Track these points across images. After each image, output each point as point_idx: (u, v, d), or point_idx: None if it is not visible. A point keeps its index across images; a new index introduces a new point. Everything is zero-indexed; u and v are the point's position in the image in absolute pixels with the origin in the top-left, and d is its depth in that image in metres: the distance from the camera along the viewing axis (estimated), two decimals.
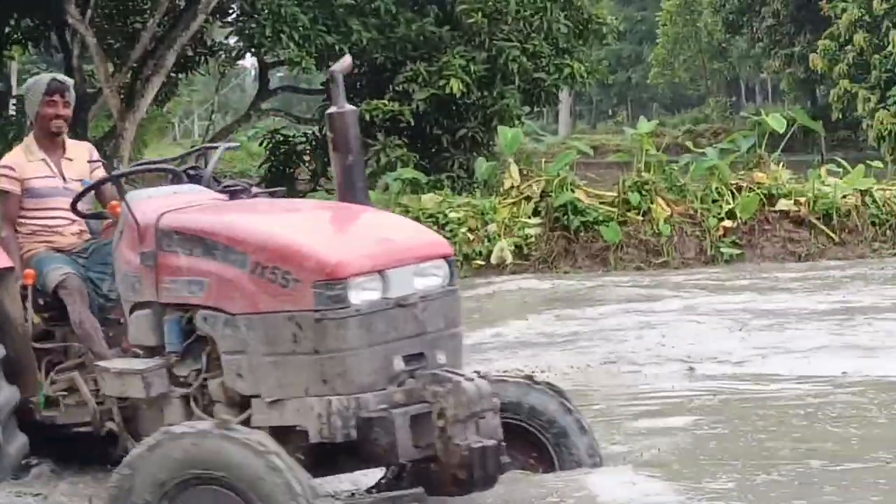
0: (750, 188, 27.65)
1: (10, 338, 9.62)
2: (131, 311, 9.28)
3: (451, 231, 27.57)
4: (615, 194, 29.11)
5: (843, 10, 59.91)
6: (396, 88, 33.85)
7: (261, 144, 35.55)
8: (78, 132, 34.18)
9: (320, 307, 8.41)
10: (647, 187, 27.63)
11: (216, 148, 10.81)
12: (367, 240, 9.09)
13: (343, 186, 9.51)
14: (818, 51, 62.88)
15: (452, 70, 33.25)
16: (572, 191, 27.90)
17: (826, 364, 15.53)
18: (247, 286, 8.77)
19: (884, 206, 27.58)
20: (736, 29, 74.48)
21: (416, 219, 25.33)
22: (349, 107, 9.49)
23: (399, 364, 8.42)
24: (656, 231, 26.86)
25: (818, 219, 27.16)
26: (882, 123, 55.99)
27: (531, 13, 34.68)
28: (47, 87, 10.45)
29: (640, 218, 27.12)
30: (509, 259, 27.22)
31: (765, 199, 27.46)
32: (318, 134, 36.99)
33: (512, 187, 29.96)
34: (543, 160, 33.22)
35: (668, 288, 23.35)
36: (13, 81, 42.89)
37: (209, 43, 35.61)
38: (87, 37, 31.95)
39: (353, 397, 8.39)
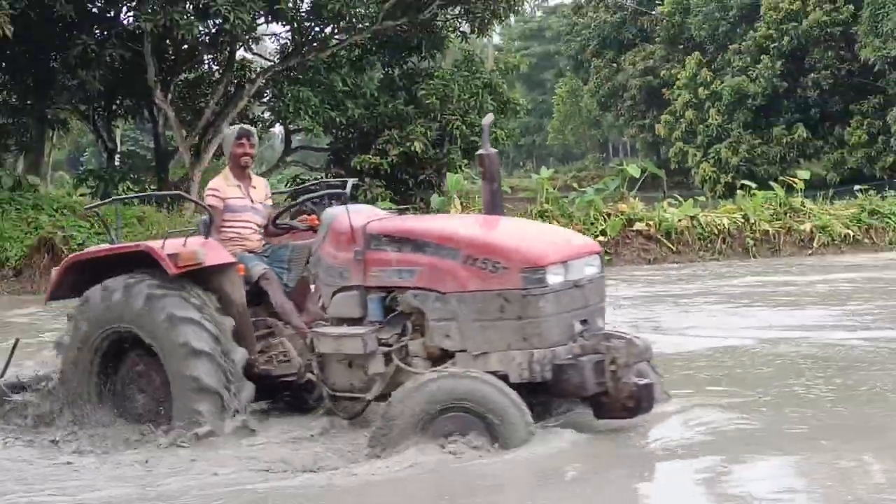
0: (616, 215, 27.82)
1: (236, 313, 9.60)
2: (334, 293, 9.51)
3: None
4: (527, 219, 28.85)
5: (679, 95, 61.58)
6: (377, 147, 34.01)
7: (286, 185, 36.10)
8: (162, 177, 35.17)
9: (526, 286, 8.77)
10: (546, 214, 27.73)
11: (346, 184, 10.50)
12: (552, 240, 9.70)
13: (490, 205, 9.81)
14: (661, 122, 64.84)
15: (416, 135, 33.60)
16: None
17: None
18: (459, 272, 9.08)
19: (706, 226, 27.80)
20: (606, 107, 74.92)
21: None
22: (492, 150, 9.97)
23: (577, 327, 8.80)
24: None
25: (662, 236, 27.44)
26: (704, 171, 57.66)
27: (469, 96, 34.71)
28: (238, 133, 10.41)
29: None
30: None
31: (626, 222, 27.65)
32: (324, 177, 35.38)
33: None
34: (477, 196, 33.15)
35: None
36: (118, 142, 42.24)
37: (251, 116, 35.87)
38: (169, 112, 31.94)
39: (549, 350, 8.72)
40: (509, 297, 8.89)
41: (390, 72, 38.49)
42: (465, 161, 35.57)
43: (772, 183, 32.52)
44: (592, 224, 26.89)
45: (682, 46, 65.44)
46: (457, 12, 36.35)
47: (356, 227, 9.41)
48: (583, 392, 8.75)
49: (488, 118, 11.06)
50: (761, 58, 57.89)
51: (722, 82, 59.84)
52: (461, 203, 30.58)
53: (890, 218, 29.24)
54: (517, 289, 8.85)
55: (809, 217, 28.38)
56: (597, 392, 8.65)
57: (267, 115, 38.06)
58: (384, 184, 34.32)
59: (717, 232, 27.55)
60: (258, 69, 35.59)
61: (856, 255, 27.18)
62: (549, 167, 46.54)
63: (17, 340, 11.40)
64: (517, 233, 9.81)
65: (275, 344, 9.77)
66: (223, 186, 10.23)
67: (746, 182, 33.57)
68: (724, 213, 28.91)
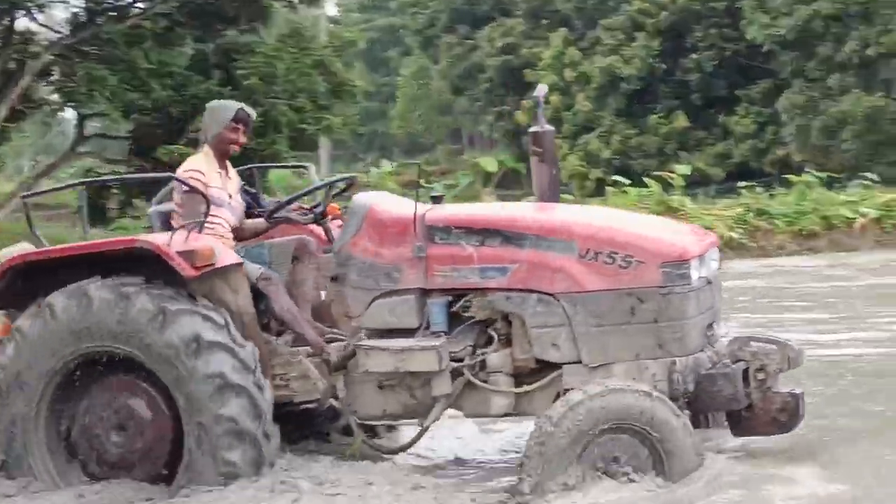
0: None
1: (243, 326, 8.80)
2: (374, 299, 8.86)
3: None
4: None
5: (543, 77, 59.67)
6: (189, 136, 32.47)
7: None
8: None
9: (667, 284, 8.53)
10: None
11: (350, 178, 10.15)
12: (681, 230, 9.69)
13: (547, 191, 9.50)
14: (522, 109, 62.59)
15: None
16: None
17: None
18: (574, 269, 8.69)
19: None
20: (459, 91, 74.21)
21: None
22: (549, 127, 9.72)
23: (710, 330, 8.77)
24: None
25: None
26: (572, 166, 57.57)
27: (297, 76, 34.87)
28: (235, 114, 9.49)
29: None
30: None
31: None
32: (125, 171, 36.06)
33: None
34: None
35: None
36: None
37: (35, 98, 35.04)
38: None
39: (692, 357, 8.50)
40: (644, 296, 8.69)
41: (203, 47, 38.08)
42: (293, 153, 35.70)
43: (647, 179, 32.72)
44: None
45: (546, 21, 65.55)
46: None
47: (411, 217, 8.97)
48: (734, 405, 8.59)
49: (541, 89, 10.64)
50: (636, 36, 58.68)
51: (592, 63, 60.32)
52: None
53: (779, 219, 29.40)
54: (655, 286, 8.67)
55: (689, 218, 27.77)
56: (744, 405, 8.59)
57: (55, 97, 37.81)
58: None
59: None
60: (44, 42, 34.93)
61: (742, 260, 27.41)
62: (393, 160, 46.14)
63: None
64: (640, 222, 10.01)
65: (293, 363, 8.97)
66: (206, 171, 9.32)
67: (619, 178, 33.85)
68: None
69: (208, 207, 8.93)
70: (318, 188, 9.68)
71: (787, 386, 8.91)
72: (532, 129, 9.73)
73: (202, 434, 8.46)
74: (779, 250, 28.50)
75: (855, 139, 49.66)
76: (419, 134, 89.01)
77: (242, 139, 9.49)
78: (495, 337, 8.87)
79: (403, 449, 9.42)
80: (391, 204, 9.38)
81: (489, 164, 31.24)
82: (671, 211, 28.52)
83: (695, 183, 37.71)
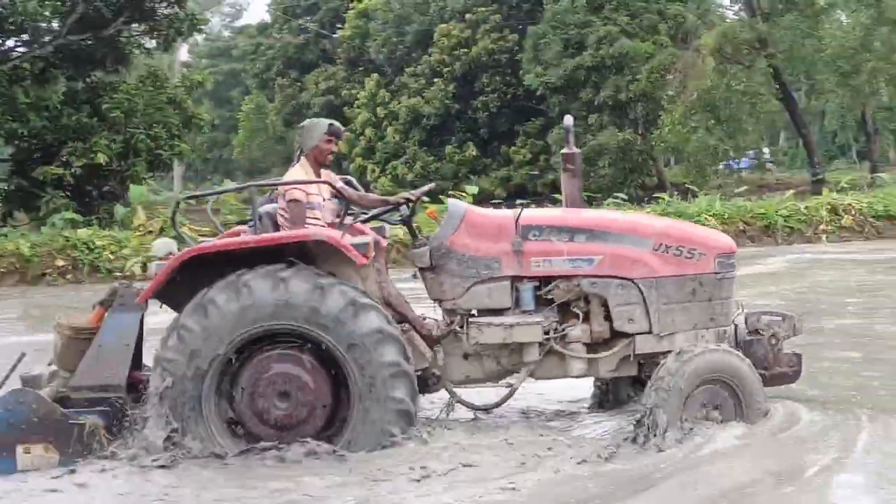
0: None
1: (391, 309, 9.08)
2: (472, 285, 9.15)
3: (97, 253, 27.01)
4: (209, 229, 29.00)
5: (359, 114, 61.87)
6: (61, 159, 34.00)
7: None
8: None
9: (720, 271, 9.39)
10: (227, 226, 25.76)
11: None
12: (717, 231, 11.02)
13: (574, 200, 9.97)
14: (343, 138, 62.41)
15: (99, 147, 33.82)
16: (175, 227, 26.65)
17: None
18: (649, 259, 9.37)
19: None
20: (290, 124, 67.44)
21: (75, 246, 26.94)
22: (576, 149, 10.24)
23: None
24: None
25: None
26: (383, 186, 56.63)
27: (154, 110, 35.43)
28: (329, 128, 9.54)
29: None
30: (138, 272, 24.83)
31: None
32: (6, 190, 36.90)
33: (140, 225, 29.99)
34: (161, 207, 33.59)
35: None
36: None
37: None
38: None
39: (731, 327, 9.56)
40: (703, 280, 9.42)
41: (74, 85, 38.31)
42: (150, 174, 36.21)
43: (442, 197, 30.00)
44: None
45: (361, 68, 65.58)
46: (141, 29, 36.72)
47: (508, 219, 9.47)
48: (765, 364, 9.29)
49: (568, 119, 10.97)
50: (435, 81, 58.78)
51: (399, 102, 60.11)
52: (146, 215, 30.68)
53: None
54: (712, 273, 9.41)
55: None
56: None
57: None
58: (68, 195, 34.54)
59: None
60: None
61: None
62: (235, 180, 46.59)
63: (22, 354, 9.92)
64: (687, 225, 10.98)
65: (407, 338, 8.95)
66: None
67: None
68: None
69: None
70: (410, 199, 9.58)
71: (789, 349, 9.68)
72: (563, 151, 10.25)
73: (368, 407, 8.47)
74: None
75: (609, 166, 49.14)
76: (258, 159, 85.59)
77: (335, 149, 9.68)
78: (579, 314, 9.32)
79: (495, 407, 9.56)
80: (482, 210, 9.99)
81: None
82: None
83: (483, 200, 37.21)
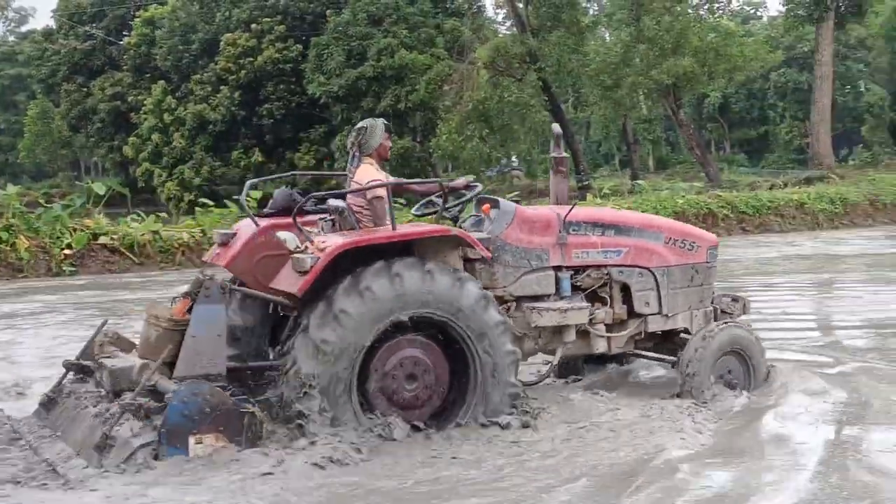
0: (81, 229, 25.70)
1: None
2: (524, 274, 9.57)
3: None
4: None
5: (145, 119, 61.00)
6: None
7: None
8: None
9: (709, 260, 10.62)
10: (13, 228, 24.70)
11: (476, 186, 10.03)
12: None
13: (562, 199, 10.52)
14: (129, 144, 63.02)
15: None
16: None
17: None
18: (662, 251, 10.36)
19: (166, 240, 26.54)
20: (76, 129, 71.95)
21: None
22: (565, 154, 11.15)
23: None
24: (19, 257, 24.09)
25: (126, 248, 25.78)
26: (170, 190, 56.92)
27: None
28: (385, 127, 9.50)
29: (8, 248, 24.24)
30: None
31: (91, 237, 25.61)
32: None
33: None
34: None
35: (31, 292, 21.35)
36: None
37: None
38: None
39: (713, 307, 10.69)
40: (699, 268, 10.55)
41: None
42: None
43: (228, 201, 32.35)
44: (59, 238, 25.17)
45: (148, 75, 63.98)
46: None
47: (554, 216, 9.90)
48: None
49: (556, 127, 11.79)
50: (221, 88, 57.52)
51: (185, 109, 59.33)
52: None
53: None
54: (704, 262, 10.60)
55: None
56: None
57: None
58: None
59: (177, 245, 26.61)
60: None
61: None
62: (21, 184, 43.99)
63: (105, 321, 10.04)
64: (679, 223, 11.59)
65: None
66: (380, 177, 9.36)
67: (206, 200, 33.37)
68: (185, 228, 28.36)
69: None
70: (469, 198, 9.84)
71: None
72: (553, 155, 10.84)
73: (487, 389, 8.82)
74: None
75: (392, 172, 48.05)
76: (44, 163, 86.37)
77: (391, 144, 9.79)
78: (606, 298, 10.07)
79: (538, 383, 10.09)
80: (531, 208, 10.38)
81: (99, 187, 29.69)
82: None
83: (263, 205, 36.63)
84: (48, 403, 9.24)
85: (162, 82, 60.52)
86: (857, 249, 28.41)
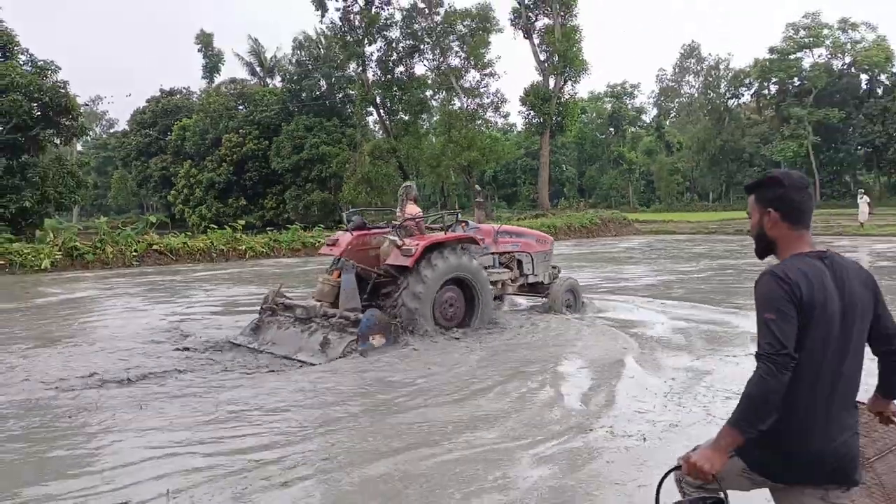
0: (142, 241, 23.73)
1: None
2: (482, 256, 9.55)
3: (24, 256, 21.33)
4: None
5: (181, 180, 57.01)
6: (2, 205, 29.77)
7: None
8: None
9: (551, 248, 10.45)
10: (103, 240, 22.95)
11: (455, 214, 9.76)
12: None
13: (480, 220, 9.19)
14: (171, 195, 58.51)
15: (26, 198, 29.32)
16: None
17: None
18: (534, 244, 10.47)
19: (192, 248, 24.07)
20: (140, 186, 66.24)
21: (10, 252, 21.37)
22: (481, 198, 10.49)
23: None
24: (107, 257, 22.15)
25: (168, 252, 23.35)
26: (193, 220, 52.61)
27: (59, 177, 31.35)
28: (414, 185, 9.54)
29: (101, 252, 22.40)
30: (47, 265, 20.75)
31: (148, 245, 23.50)
32: None
33: (50, 240, 23.30)
34: (62, 231, 29.15)
35: (114, 277, 19.36)
36: None
37: None
38: None
39: (552, 270, 10.82)
40: (547, 253, 10.59)
41: (11, 162, 33.08)
42: (57, 212, 32.14)
43: (227, 226, 28.90)
44: (129, 245, 23.26)
45: (181, 157, 58.61)
46: (52, 132, 32.68)
47: (494, 229, 10.22)
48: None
49: (477, 188, 12.43)
50: (222, 164, 53.69)
51: (202, 175, 54.74)
52: (54, 234, 25.39)
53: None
54: (549, 249, 10.65)
55: None
56: None
57: None
58: (7, 224, 31.14)
59: (197, 251, 24.32)
60: None
61: None
62: (109, 216, 41.24)
63: (280, 285, 9.81)
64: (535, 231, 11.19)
65: None
66: (420, 212, 9.38)
67: (214, 226, 31.03)
68: (202, 241, 25.60)
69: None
70: (444, 214, 9.59)
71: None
72: (477, 199, 11.24)
73: (483, 309, 8.89)
74: None
75: (316, 214, 47.72)
76: (123, 205, 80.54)
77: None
78: (513, 267, 10.23)
79: (497, 308, 9.93)
80: (484, 225, 10.40)
81: (153, 218, 28.36)
82: None
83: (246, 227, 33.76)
84: (255, 329, 8.73)
85: (189, 161, 57.77)
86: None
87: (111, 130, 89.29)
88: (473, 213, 11.98)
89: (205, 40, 64.66)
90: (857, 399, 2.56)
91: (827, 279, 2.38)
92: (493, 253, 9.92)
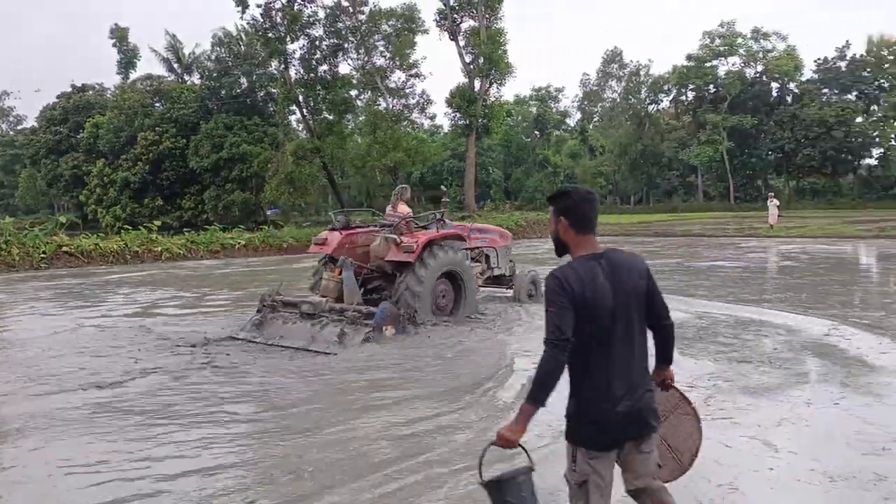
0: (51, 242, 23.32)
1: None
2: (459, 250, 10.07)
3: None
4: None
5: (93, 180, 55.51)
6: None
7: None
8: None
9: (510, 244, 11.36)
10: (9, 241, 22.40)
11: (441, 212, 10.18)
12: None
13: (436, 222, 9.91)
14: (83, 194, 56.64)
15: None
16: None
17: None
18: (498, 240, 11.18)
19: (105, 249, 23.84)
20: (51, 185, 64.06)
21: None
22: (447, 199, 12.00)
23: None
24: (13, 259, 21.83)
25: (79, 254, 23.11)
26: (107, 221, 51.60)
27: None
28: (408, 188, 10.45)
29: (6, 254, 21.90)
30: None
31: (57, 246, 22.94)
32: None
33: None
34: None
35: (22, 280, 18.68)
36: None
37: None
38: None
39: (511, 264, 11.76)
40: (508, 247, 11.27)
41: None
42: None
43: (141, 227, 28.53)
44: (37, 247, 22.86)
45: (94, 155, 57.45)
46: None
47: (469, 227, 10.90)
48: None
49: (444, 188, 13.93)
50: (138, 163, 52.70)
51: (116, 175, 53.65)
52: None
53: None
54: (509, 245, 11.38)
55: None
56: None
57: None
58: None
59: (110, 252, 24.12)
60: None
61: None
62: (16, 216, 39.72)
63: (281, 283, 10.73)
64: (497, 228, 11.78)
65: None
66: (410, 212, 10.10)
67: (128, 227, 31.47)
68: (115, 242, 25.17)
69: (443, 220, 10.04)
70: (433, 213, 10.27)
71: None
72: (443, 200, 11.90)
73: (469, 298, 9.58)
74: None
75: (239, 212, 47.49)
76: (31, 205, 77.82)
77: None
78: (481, 261, 10.92)
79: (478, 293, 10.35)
80: (458, 224, 11.01)
81: (63, 219, 27.43)
82: None
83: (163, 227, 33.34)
84: (259, 324, 9.10)
85: (103, 159, 56.20)
86: None
87: (19, 127, 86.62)
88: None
89: (120, 35, 62.71)
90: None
91: (599, 276, 2.86)
92: (466, 248, 10.41)
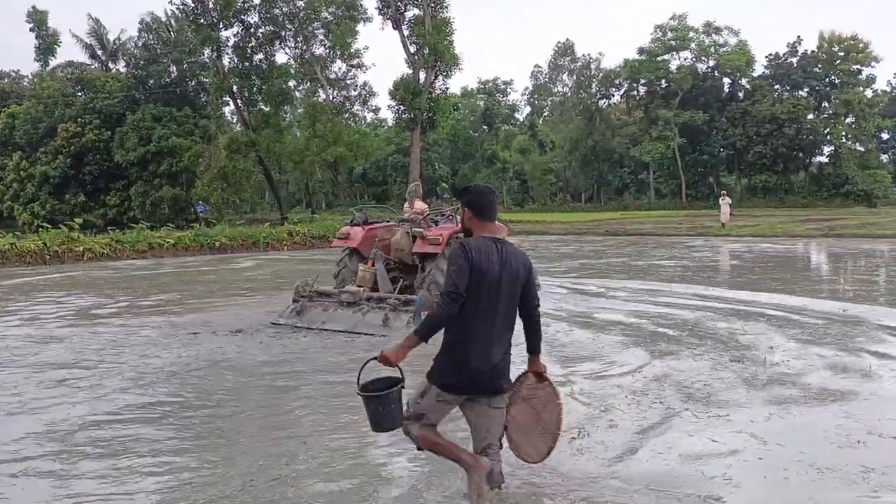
0: None
1: None
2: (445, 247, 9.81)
3: None
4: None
5: (9, 174, 54.94)
6: None
7: None
8: None
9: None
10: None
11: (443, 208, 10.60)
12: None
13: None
14: None
15: None
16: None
17: None
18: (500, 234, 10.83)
19: (21, 248, 22.71)
20: None
21: None
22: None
23: None
24: None
25: None
26: (25, 219, 50.76)
27: None
28: (420, 184, 10.65)
29: None
30: None
31: None
32: None
33: None
34: None
35: None
36: None
37: None
38: None
39: None
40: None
41: None
42: None
43: (62, 225, 26.24)
44: None
45: (10, 148, 56.29)
46: None
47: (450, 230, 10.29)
48: None
49: (444, 187, 12.23)
50: (58, 157, 52.35)
51: (35, 169, 53.34)
52: None
53: None
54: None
55: None
56: None
57: None
58: None
59: (28, 252, 22.91)
60: None
61: None
62: None
63: (317, 275, 10.76)
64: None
65: None
66: (426, 208, 10.51)
67: (47, 225, 29.68)
68: (33, 241, 24.04)
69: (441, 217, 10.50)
70: (441, 210, 10.78)
71: None
72: (444, 185, 11.27)
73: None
74: None
75: (168, 210, 47.46)
76: None
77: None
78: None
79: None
80: (445, 227, 10.37)
81: None
82: None
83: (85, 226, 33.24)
84: (300, 311, 9.83)
85: (19, 152, 55.15)
86: None
87: None
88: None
89: (37, 18, 61.01)
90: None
91: (493, 254, 3.68)
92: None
